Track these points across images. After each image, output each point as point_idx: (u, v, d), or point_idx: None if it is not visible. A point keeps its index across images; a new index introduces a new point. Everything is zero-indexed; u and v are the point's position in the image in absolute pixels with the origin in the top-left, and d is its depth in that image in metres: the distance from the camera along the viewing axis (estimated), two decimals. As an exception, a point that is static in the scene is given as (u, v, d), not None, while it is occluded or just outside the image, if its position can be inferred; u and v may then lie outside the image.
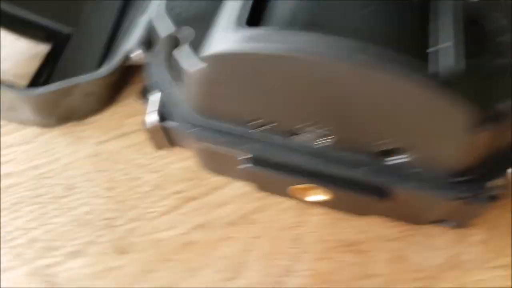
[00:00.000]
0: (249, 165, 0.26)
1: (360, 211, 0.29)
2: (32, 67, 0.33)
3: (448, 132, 0.22)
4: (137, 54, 0.30)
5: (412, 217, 0.29)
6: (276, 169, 0.26)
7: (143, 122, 0.27)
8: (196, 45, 0.23)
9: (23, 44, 0.35)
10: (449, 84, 0.20)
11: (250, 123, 0.25)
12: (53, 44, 0.34)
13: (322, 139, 0.25)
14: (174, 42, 0.24)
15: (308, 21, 0.22)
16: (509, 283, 0.27)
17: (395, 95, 0.21)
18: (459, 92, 0.20)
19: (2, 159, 0.32)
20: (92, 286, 0.28)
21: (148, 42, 0.30)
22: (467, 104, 0.21)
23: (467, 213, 0.28)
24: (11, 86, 0.29)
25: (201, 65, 0.23)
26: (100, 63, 0.32)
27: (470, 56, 0.22)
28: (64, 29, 0.34)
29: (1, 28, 0.33)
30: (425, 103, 0.21)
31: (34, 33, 0.34)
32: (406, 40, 0.22)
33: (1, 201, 0.30)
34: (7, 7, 0.32)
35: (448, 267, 0.28)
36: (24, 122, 0.32)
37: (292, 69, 0.21)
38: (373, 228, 0.30)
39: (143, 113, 0.32)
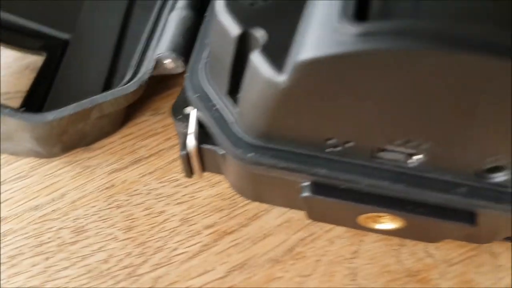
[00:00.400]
0: (313, 192, 0.18)
1: (432, 238, 0.21)
2: (22, 83, 0.24)
3: None
4: (171, 62, 0.21)
5: (485, 238, 0.22)
6: (348, 196, 0.18)
7: (183, 145, 0.18)
8: (276, 50, 0.14)
9: (9, 55, 0.25)
10: None
11: (323, 143, 0.16)
12: (47, 54, 0.24)
13: (413, 158, 0.17)
14: (241, 47, 0.15)
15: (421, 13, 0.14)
16: None
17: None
18: None
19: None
20: None
21: (184, 46, 0.21)
22: None
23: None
24: (11, 111, 0.19)
25: (281, 78, 0.14)
26: (109, 74, 0.23)
27: None
28: (60, 35, 0.24)
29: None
30: None
31: (23, 40, 0.23)
32: None
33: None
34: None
35: None
36: (19, 153, 0.22)
37: (416, 70, 0.13)
38: (436, 253, 0.23)
39: (160, 132, 0.23)
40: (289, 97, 0.14)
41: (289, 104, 0.15)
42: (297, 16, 0.14)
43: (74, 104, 0.19)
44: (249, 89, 0.15)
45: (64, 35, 0.24)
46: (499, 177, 0.17)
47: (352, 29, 0.12)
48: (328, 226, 0.23)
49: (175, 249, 0.22)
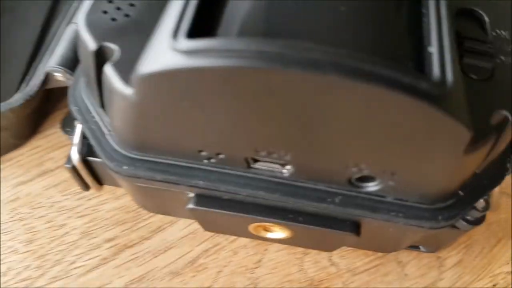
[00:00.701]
0: (198, 203, 0.18)
1: (326, 247, 0.21)
2: None
3: (433, 154, 0.15)
4: (60, 76, 0.21)
5: (384, 247, 0.22)
6: (231, 207, 0.18)
7: (68, 158, 0.18)
8: (128, 64, 0.14)
9: None
10: (440, 101, 0.13)
11: (195, 155, 0.16)
12: None
13: (283, 169, 0.17)
14: (98, 62, 0.15)
15: (269, 30, 0.14)
16: None
17: (373, 114, 0.14)
18: (452, 111, 0.13)
19: None
20: None
21: (74, 59, 0.21)
22: (460, 123, 0.13)
23: (445, 239, 0.21)
24: None
25: (129, 90, 0.14)
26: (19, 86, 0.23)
27: (465, 53, 0.15)
28: None
29: None
30: (410, 122, 0.14)
31: None
32: (393, 44, 0.15)
33: None
34: None
35: None
36: None
37: (243, 86, 0.13)
38: (340, 262, 0.23)
39: (69, 144, 0.23)
40: (140, 109, 0.14)
41: (143, 116, 0.15)
42: (151, 33, 0.14)
43: None
44: (110, 102, 0.15)
45: None
46: (372, 186, 0.17)
47: (181, 46, 0.12)
48: (233, 237, 0.23)
49: (73, 263, 0.21)
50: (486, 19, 0.18)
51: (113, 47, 0.15)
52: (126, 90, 0.14)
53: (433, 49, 0.14)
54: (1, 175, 0.23)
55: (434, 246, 0.23)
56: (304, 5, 0.15)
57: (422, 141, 0.14)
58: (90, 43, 0.15)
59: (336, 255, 0.23)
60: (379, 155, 0.15)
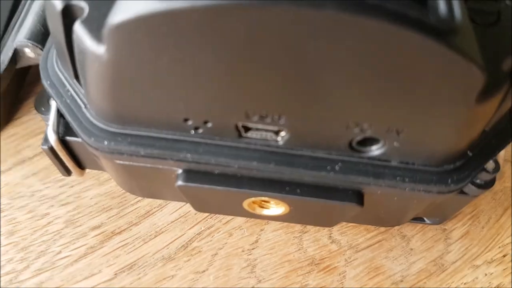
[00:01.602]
0: (187, 180, 0.16)
1: (326, 222, 0.19)
2: None
3: (445, 103, 0.13)
4: (30, 51, 0.19)
5: (388, 220, 0.20)
6: (223, 182, 0.16)
7: (44, 139, 0.17)
8: (98, 20, 0.13)
9: None
10: (449, 38, 0.11)
11: (181, 124, 0.15)
12: None
13: (279, 135, 0.15)
14: (66, 21, 0.14)
15: None
16: (498, 281, 0.21)
17: (375, 57, 0.12)
18: (463, 49, 0.12)
19: None
20: None
21: (43, 33, 0.19)
22: (473, 63, 0.12)
23: (453, 206, 0.20)
24: None
25: (100, 47, 0.13)
26: None
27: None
28: None
29: None
30: (417, 64, 0.12)
31: None
32: None
33: None
34: None
35: (431, 271, 0.21)
36: None
37: (228, 31, 0.11)
38: (341, 239, 0.21)
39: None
40: (114, 69, 0.13)
41: (118, 78, 0.13)
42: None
43: None
44: (83, 69, 0.14)
45: None
46: (375, 150, 0.15)
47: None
48: (227, 218, 0.21)
49: (58, 253, 0.20)
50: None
51: (81, 4, 0.13)
52: (98, 48, 0.12)
53: None
54: (-24, 166, 0.22)
55: (440, 217, 0.22)
56: None
57: (432, 87, 0.12)
58: (56, 2, 0.13)
59: (336, 232, 0.21)
60: (384, 109, 0.13)
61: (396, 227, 0.22)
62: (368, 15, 0.10)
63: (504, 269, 0.21)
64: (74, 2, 0.13)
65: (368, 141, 0.15)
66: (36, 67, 0.20)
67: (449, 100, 0.13)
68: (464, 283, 0.21)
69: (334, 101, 0.13)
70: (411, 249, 0.22)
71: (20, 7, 0.21)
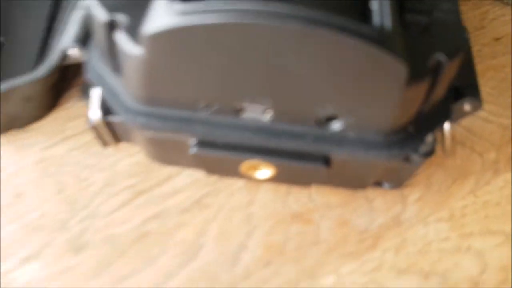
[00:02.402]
0: (199, 148, 0.22)
1: (305, 181, 0.25)
2: None
3: (380, 90, 0.19)
4: (74, 51, 0.24)
5: (353, 182, 0.26)
6: (225, 149, 0.22)
7: (87, 120, 0.22)
8: (136, 29, 0.18)
9: None
10: (379, 42, 0.17)
11: (195, 105, 0.20)
12: None
13: (264, 113, 0.21)
14: (110, 30, 0.19)
15: None
16: (446, 235, 0.26)
17: (330, 58, 0.17)
18: (390, 50, 0.17)
19: None
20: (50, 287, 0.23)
21: (84, 37, 0.25)
22: (398, 60, 0.17)
23: (403, 173, 0.25)
24: None
25: (138, 49, 0.18)
26: (35, 65, 0.27)
27: (407, 11, 0.19)
28: None
29: None
30: (359, 62, 0.17)
31: None
32: (343, 3, 0.18)
33: None
34: None
35: (390, 226, 0.26)
36: None
37: (226, 40, 0.17)
38: (317, 199, 0.26)
39: (85, 114, 0.27)
40: (149, 65, 0.18)
41: (151, 71, 0.19)
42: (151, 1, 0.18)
43: None
44: (123, 64, 0.19)
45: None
46: (335, 125, 0.21)
47: (177, 8, 0.16)
48: (229, 182, 0.26)
49: (99, 205, 0.25)
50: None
51: (121, 17, 0.18)
52: (136, 50, 0.18)
53: (375, 3, 0.18)
54: (28, 142, 0.27)
55: (396, 182, 0.27)
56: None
57: (369, 77, 0.17)
58: (102, 16, 0.18)
59: (314, 193, 0.27)
60: (337, 93, 0.19)
61: (361, 191, 0.27)
62: (322, 28, 0.16)
63: (451, 226, 0.26)
64: (115, 16, 0.19)
65: (331, 119, 0.21)
66: (74, 65, 0.26)
67: (384, 87, 0.18)
68: (418, 235, 0.26)
69: (303, 89, 0.19)
70: (374, 208, 0.27)
71: (60, 15, 0.26)
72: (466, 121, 0.29)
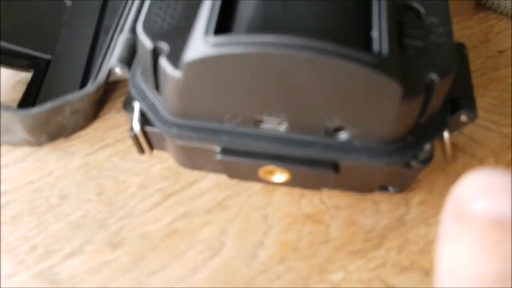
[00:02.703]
0: (223, 155, 0.25)
1: (316, 185, 0.28)
2: (16, 94, 0.31)
3: (379, 107, 0.22)
4: (119, 70, 0.28)
5: (360, 186, 0.29)
6: (245, 156, 0.25)
7: (129, 130, 0.26)
8: (175, 56, 0.21)
9: (4, 72, 0.33)
10: (377, 67, 0.20)
11: (221, 118, 0.23)
12: (34, 71, 0.31)
13: (280, 125, 0.24)
14: (154, 56, 0.22)
15: (266, 25, 0.21)
16: None
17: (336, 80, 0.20)
18: (387, 73, 0.20)
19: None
20: (90, 280, 0.26)
21: (128, 58, 0.28)
22: (394, 81, 0.20)
23: (406, 178, 0.28)
24: (7, 107, 0.27)
25: (177, 72, 0.22)
26: (80, 84, 0.30)
27: (405, 36, 0.22)
28: (44, 56, 0.31)
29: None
30: (360, 84, 0.20)
31: (16, 62, 0.31)
32: (349, 31, 0.21)
33: (1, 216, 0.28)
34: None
35: (394, 226, 0.28)
36: (15, 143, 0.29)
37: (250, 66, 0.20)
38: (328, 201, 0.29)
39: (123, 125, 0.31)
40: (185, 86, 0.22)
41: (187, 91, 0.22)
42: (190, 33, 0.22)
43: (51, 101, 0.27)
44: (163, 84, 0.23)
45: (47, 56, 0.32)
46: (342, 135, 0.24)
47: (210, 40, 0.20)
48: (248, 185, 0.30)
49: (134, 206, 0.29)
50: (422, 10, 0.25)
51: (164, 45, 0.22)
52: (176, 74, 0.21)
53: (375, 32, 0.21)
54: (73, 149, 0.31)
55: (400, 186, 0.29)
56: (288, 5, 0.22)
57: (369, 95, 0.20)
58: (147, 44, 0.22)
59: (325, 196, 0.29)
60: (343, 109, 0.22)
61: (369, 194, 0.30)
62: (329, 56, 0.19)
63: None
64: (159, 44, 0.22)
65: (338, 129, 0.24)
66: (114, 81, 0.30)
67: (382, 104, 0.21)
68: (419, 235, 0.29)
69: (314, 105, 0.22)
70: (380, 210, 0.30)
71: (103, 36, 0.30)
72: (468, 130, 0.31)
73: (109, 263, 0.27)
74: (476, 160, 0.31)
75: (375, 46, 0.20)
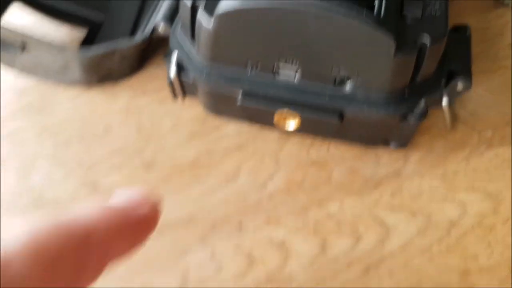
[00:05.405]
0: (244, 98, 0.29)
1: (323, 133, 0.33)
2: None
3: (377, 59, 0.26)
4: (162, 27, 0.33)
5: (363, 138, 0.33)
6: (263, 100, 0.29)
7: (167, 76, 0.30)
8: (209, 10, 0.26)
9: (64, 30, 0.38)
10: (374, 24, 0.24)
11: (245, 64, 0.28)
12: (89, 28, 0.36)
13: (296, 73, 0.29)
14: (192, 11, 0.27)
15: None
16: (437, 187, 0.32)
17: (340, 34, 0.25)
18: (382, 30, 0.24)
19: (57, 112, 0.35)
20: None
21: (170, 17, 0.33)
22: (388, 37, 0.25)
23: (404, 132, 0.31)
24: (68, 47, 0.32)
25: (211, 24, 0.26)
26: (129, 37, 0.35)
27: (406, 7, 0.26)
28: (98, 15, 0.37)
29: (46, 18, 0.36)
30: (360, 38, 0.25)
31: (73, 20, 0.36)
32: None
33: (56, 141, 0.34)
34: (50, 2, 0.36)
35: (390, 177, 0.32)
36: (71, 82, 0.34)
37: (270, 19, 0.24)
38: (335, 152, 0.33)
39: (162, 78, 0.36)
40: (216, 36, 0.27)
41: (217, 39, 0.27)
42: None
43: (104, 45, 0.33)
44: (199, 34, 0.28)
45: (100, 15, 0.38)
46: (348, 85, 0.29)
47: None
48: (266, 132, 0.34)
49: (167, 141, 0.34)
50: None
51: (200, 2, 0.27)
52: (210, 25, 0.26)
53: (377, 1, 0.25)
54: (118, 93, 0.36)
55: (400, 141, 0.33)
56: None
57: (369, 48, 0.25)
58: (188, 2, 0.27)
59: (332, 147, 0.34)
60: (348, 59, 0.26)
61: (372, 149, 0.34)
62: (335, 13, 0.24)
63: (442, 182, 0.30)
64: (197, 2, 0.27)
65: (344, 80, 0.28)
66: (157, 39, 0.35)
67: (379, 56, 0.26)
68: (413, 185, 0.32)
69: (323, 54, 0.26)
70: (380, 162, 0.34)
71: (154, 5, 0.36)
72: (471, 106, 0.35)
73: (144, 180, 0.32)
74: (475, 131, 0.34)
75: (376, 9, 0.25)
